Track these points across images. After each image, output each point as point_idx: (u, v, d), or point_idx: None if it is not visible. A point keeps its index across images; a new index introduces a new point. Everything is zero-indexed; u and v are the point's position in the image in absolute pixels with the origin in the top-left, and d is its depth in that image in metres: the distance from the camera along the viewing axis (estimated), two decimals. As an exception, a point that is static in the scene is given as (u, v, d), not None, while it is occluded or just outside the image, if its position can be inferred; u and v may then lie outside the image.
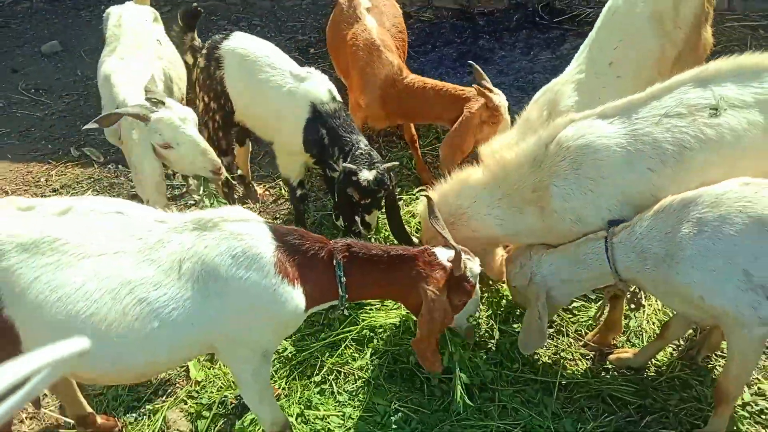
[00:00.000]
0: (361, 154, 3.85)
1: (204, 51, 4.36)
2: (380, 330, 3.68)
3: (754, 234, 2.59)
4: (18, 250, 2.44)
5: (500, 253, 3.73)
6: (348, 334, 3.68)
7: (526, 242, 3.35)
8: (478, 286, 2.99)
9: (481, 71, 4.21)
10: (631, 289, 3.34)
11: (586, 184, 3.00)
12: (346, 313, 3.53)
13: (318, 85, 4.04)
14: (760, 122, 2.90)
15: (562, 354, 3.57)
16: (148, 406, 3.52)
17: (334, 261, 2.73)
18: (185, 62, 4.76)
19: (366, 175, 3.71)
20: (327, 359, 3.58)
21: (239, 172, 4.83)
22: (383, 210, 3.95)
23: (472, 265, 2.93)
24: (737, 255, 2.62)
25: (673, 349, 3.58)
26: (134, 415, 3.48)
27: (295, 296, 2.63)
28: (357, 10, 4.66)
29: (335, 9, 4.96)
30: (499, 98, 4.14)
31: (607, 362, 3.53)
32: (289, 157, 4.30)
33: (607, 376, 3.47)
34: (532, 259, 3.21)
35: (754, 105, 2.91)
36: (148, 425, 3.40)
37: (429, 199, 3.07)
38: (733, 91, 2.94)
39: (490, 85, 4.17)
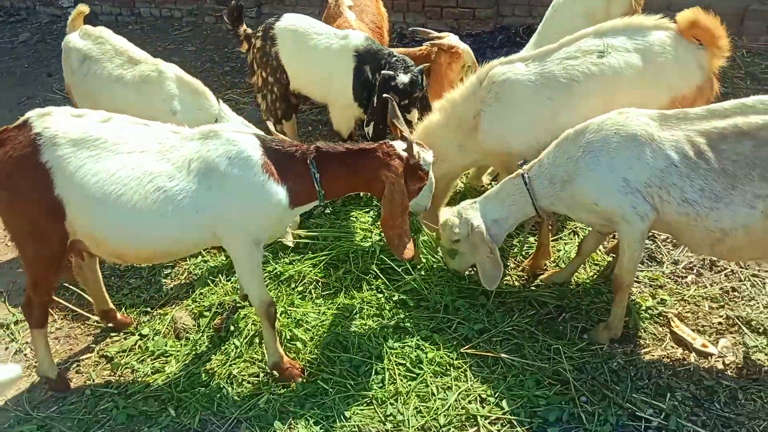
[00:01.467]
0: (396, 60, 4.64)
1: (259, 33, 5.24)
2: (352, 254, 4.45)
3: (626, 149, 3.35)
4: (69, 143, 3.21)
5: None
6: (326, 257, 4.45)
7: (482, 164, 4.16)
8: (432, 173, 3.59)
9: (425, 29, 5.15)
10: (550, 218, 4.06)
11: (505, 110, 3.86)
12: (327, 212, 4.19)
13: (357, 37, 4.92)
14: (637, 64, 3.79)
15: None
16: (159, 310, 4.28)
17: (308, 161, 3.41)
18: (241, 52, 5.60)
19: (402, 78, 4.47)
20: (308, 274, 4.34)
21: None
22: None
23: (425, 155, 3.51)
24: (616, 166, 3.37)
25: (594, 272, 4.32)
26: (147, 316, 4.24)
27: (279, 191, 3.35)
28: (340, 7, 5.62)
29: (327, 8, 5.90)
30: (449, 38, 5.00)
31: (538, 281, 4.27)
32: (341, 110, 5.10)
33: (534, 288, 4.21)
34: (466, 211, 3.84)
35: (633, 51, 3.80)
36: (159, 321, 4.16)
37: (389, 99, 3.69)
38: (620, 41, 3.83)
39: (436, 34, 5.03)
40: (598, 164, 3.41)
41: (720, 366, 3.59)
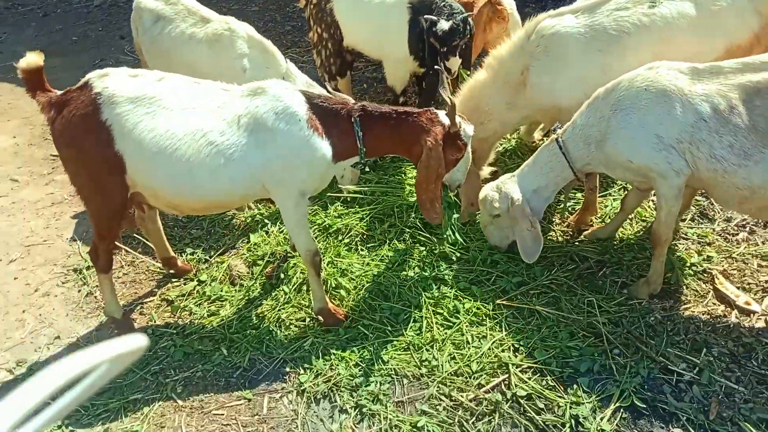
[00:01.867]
0: (444, 6, 4.64)
1: None
2: (397, 209, 4.58)
3: (656, 105, 3.30)
4: (126, 101, 3.42)
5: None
6: (372, 211, 4.60)
7: (532, 120, 4.16)
8: (470, 148, 3.69)
9: None
10: (587, 180, 4.04)
11: (554, 63, 3.84)
12: (367, 169, 4.31)
13: None
14: (690, 13, 3.68)
15: (546, 232, 4.36)
16: (217, 259, 4.55)
17: (352, 119, 3.55)
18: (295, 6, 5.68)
19: (443, 25, 4.51)
20: (354, 227, 4.51)
21: None
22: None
23: (467, 127, 3.61)
24: (648, 123, 3.34)
25: (641, 228, 4.29)
26: (206, 264, 4.52)
27: (323, 146, 3.49)
28: None
29: None
30: None
31: (582, 236, 4.28)
32: (396, 65, 5.16)
33: (577, 243, 4.22)
34: (505, 185, 3.87)
35: (686, 0, 3.66)
36: (217, 269, 4.43)
37: (440, 70, 3.70)
38: None
39: None
40: (629, 122, 3.38)
41: (762, 324, 3.55)
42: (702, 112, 3.18)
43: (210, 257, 4.58)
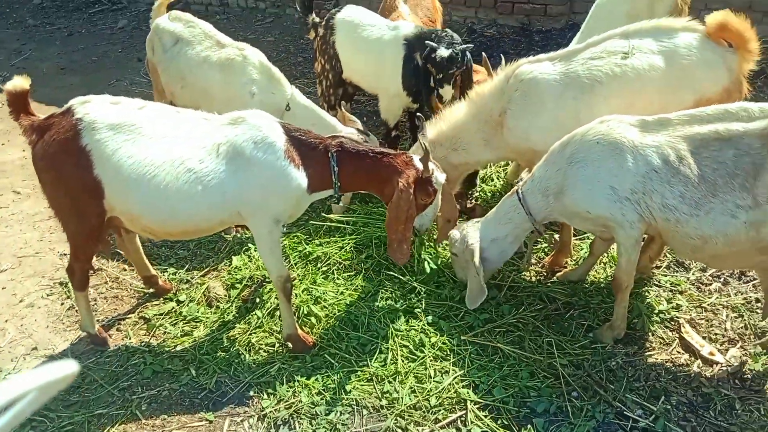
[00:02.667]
0: (445, 35, 4.78)
1: (323, 22, 5.56)
2: (376, 240, 4.65)
3: (609, 157, 3.36)
4: (107, 128, 3.52)
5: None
6: (351, 241, 4.68)
7: (507, 158, 4.26)
8: (439, 196, 3.79)
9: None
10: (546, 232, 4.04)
11: (531, 108, 3.93)
12: (341, 204, 4.43)
13: (408, 26, 5.11)
14: (660, 66, 3.76)
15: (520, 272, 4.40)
16: (198, 280, 4.65)
17: (329, 153, 3.66)
18: (308, 38, 5.88)
19: (442, 53, 4.62)
20: (333, 256, 4.59)
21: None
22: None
23: (438, 175, 3.72)
24: (601, 175, 3.40)
25: (612, 271, 4.30)
26: (186, 284, 4.62)
27: (299, 176, 3.59)
28: (395, 0, 5.76)
29: (383, 0, 6.10)
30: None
31: (555, 278, 4.32)
32: (390, 100, 5.30)
33: (548, 284, 4.26)
34: (467, 228, 3.96)
35: (658, 53, 3.77)
36: (196, 290, 4.52)
37: (419, 117, 3.84)
38: (646, 43, 3.81)
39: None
40: (584, 175, 3.45)
41: (723, 375, 3.55)
42: (653, 162, 3.24)
43: (192, 278, 4.68)
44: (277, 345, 3.98)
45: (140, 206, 3.57)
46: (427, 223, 3.90)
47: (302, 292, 4.28)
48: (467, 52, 4.76)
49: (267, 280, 4.45)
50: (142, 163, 3.49)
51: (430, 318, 4.00)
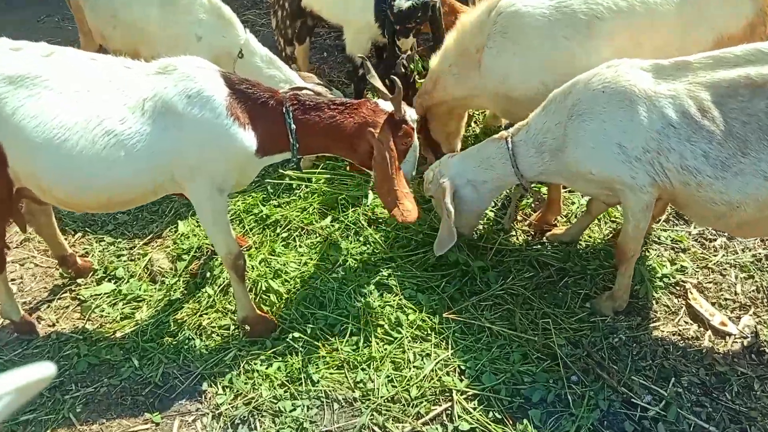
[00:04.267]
0: None
1: None
2: (341, 200, 4.10)
3: (617, 109, 2.83)
4: (5, 82, 2.87)
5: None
6: (315, 201, 4.12)
7: (479, 104, 3.74)
8: (416, 135, 3.24)
9: None
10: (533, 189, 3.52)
11: (511, 46, 3.32)
12: (299, 168, 3.87)
13: None
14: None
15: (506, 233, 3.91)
16: (138, 250, 4.06)
17: (284, 109, 3.07)
18: None
19: (401, 3, 4.04)
20: (294, 220, 4.03)
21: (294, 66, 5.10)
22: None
23: (411, 112, 3.18)
24: (608, 131, 2.87)
25: (610, 231, 3.86)
26: (126, 256, 4.03)
27: (245, 137, 2.99)
28: None
29: None
30: None
31: (544, 238, 3.85)
32: (357, 32, 4.63)
33: (538, 246, 3.79)
34: (443, 165, 3.46)
35: None
36: (136, 263, 3.95)
37: (363, 58, 3.39)
38: None
39: None
40: (587, 130, 2.92)
41: (738, 349, 3.16)
42: (669, 116, 2.72)
43: (132, 248, 4.09)
44: (232, 328, 3.47)
45: (50, 176, 2.95)
46: (410, 170, 3.33)
47: (259, 263, 3.74)
48: (432, 5, 4.14)
49: (219, 249, 3.89)
50: (50, 125, 2.86)
51: (407, 291, 3.51)
